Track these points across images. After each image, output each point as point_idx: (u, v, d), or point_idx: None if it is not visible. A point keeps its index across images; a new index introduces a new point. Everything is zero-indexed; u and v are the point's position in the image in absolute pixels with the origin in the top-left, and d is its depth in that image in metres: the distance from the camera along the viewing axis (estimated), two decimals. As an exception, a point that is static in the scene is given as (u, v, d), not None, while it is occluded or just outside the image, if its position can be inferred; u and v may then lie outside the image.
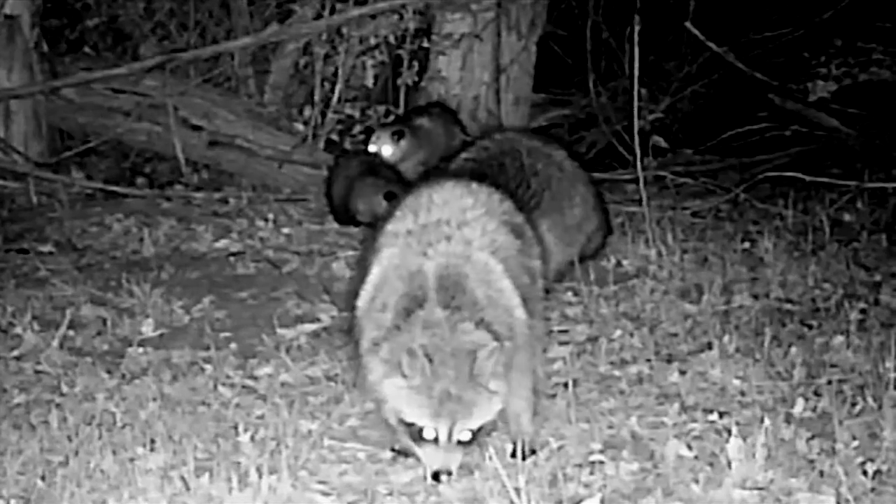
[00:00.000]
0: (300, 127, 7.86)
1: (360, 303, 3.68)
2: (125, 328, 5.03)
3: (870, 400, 3.91)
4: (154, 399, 4.17)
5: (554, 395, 4.15)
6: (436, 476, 3.46)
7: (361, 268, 3.84)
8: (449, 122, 7.24)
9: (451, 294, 3.49)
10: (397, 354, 3.43)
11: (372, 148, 6.83)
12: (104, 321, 5.07)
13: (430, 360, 3.38)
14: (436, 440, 3.44)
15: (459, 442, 3.45)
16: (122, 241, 6.46)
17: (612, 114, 8.61)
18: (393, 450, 3.76)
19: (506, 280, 3.63)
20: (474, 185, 3.89)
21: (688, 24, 8.16)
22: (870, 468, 3.43)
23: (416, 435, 3.46)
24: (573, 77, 8.98)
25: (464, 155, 5.46)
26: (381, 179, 6.58)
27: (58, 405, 4.13)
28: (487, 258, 3.63)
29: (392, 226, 3.75)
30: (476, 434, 3.46)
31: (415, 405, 3.44)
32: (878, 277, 5.48)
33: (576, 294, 5.30)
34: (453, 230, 3.65)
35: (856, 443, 3.59)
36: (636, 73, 6.13)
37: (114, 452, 3.67)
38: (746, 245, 5.98)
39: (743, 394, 4.16)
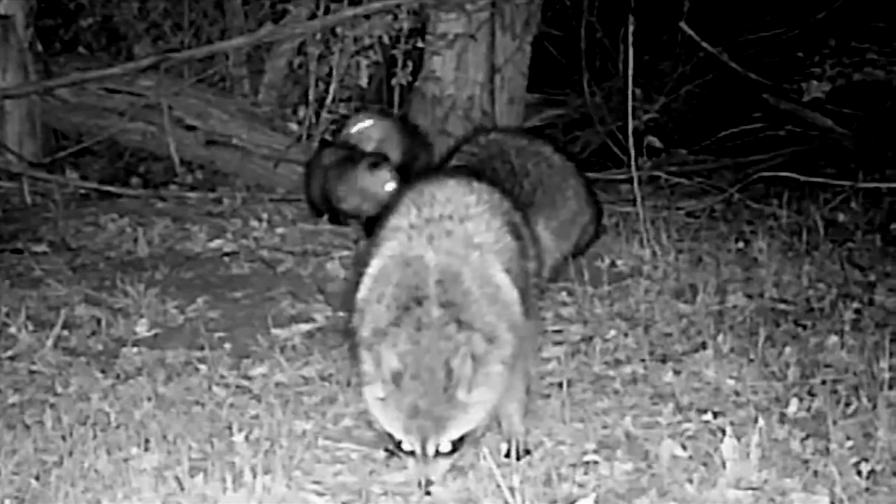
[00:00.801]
0: (294, 127, 7.87)
1: (361, 294, 3.66)
2: (119, 328, 5.03)
3: (864, 400, 3.92)
4: (148, 399, 4.16)
5: (548, 395, 4.15)
6: (427, 490, 3.45)
7: (361, 263, 3.82)
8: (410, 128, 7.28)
9: (449, 291, 3.45)
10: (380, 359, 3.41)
11: (352, 129, 6.77)
12: (98, 321, 5.07)
13: (402, 374, 3.34)
14: (413, 452, 3.42)
15: (440, 452, 3.41)
16: (117, 241, 6.46)
17: (607, 114, 8.63)
18: (387, 450, 3.74)
19: (505, 278, 3.62)
20: (475, 183, 3.87)
21: (682, 24, 8.17)
22: (864, 468, 3.43)
23: (397, 445, 3.45)
24: (568, 77, 8.99)
25: (453, 162, 5.45)
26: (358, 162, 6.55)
27: (52, 405, 4.12)
28: (488, 255, 3.61)
29: (394, 220, 3.73)
30: (459, 444, 3.42)
31: (385, 417, 3.42)
32: (872, 277, 5.50)
33: (570, 294, 5.30)
34: (455, 226, 3.63)
35: (850, 443, 3.60)
36: (630, 72, 6.14)
37: (108, 452, 3.67)
38: (741, 245, 5.99)
39: (737, 394, 4.17)
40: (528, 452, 3.71)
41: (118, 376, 4.47)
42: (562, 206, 5.41)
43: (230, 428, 3.87)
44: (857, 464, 3.47)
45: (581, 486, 3.50)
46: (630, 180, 6.33)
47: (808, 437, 3.68)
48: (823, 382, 4.16)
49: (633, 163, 6.08)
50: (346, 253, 6.11)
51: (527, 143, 5.53)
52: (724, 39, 8.60)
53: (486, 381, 3.41)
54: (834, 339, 4.57)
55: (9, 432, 3.87)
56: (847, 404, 3.91)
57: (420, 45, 7.83)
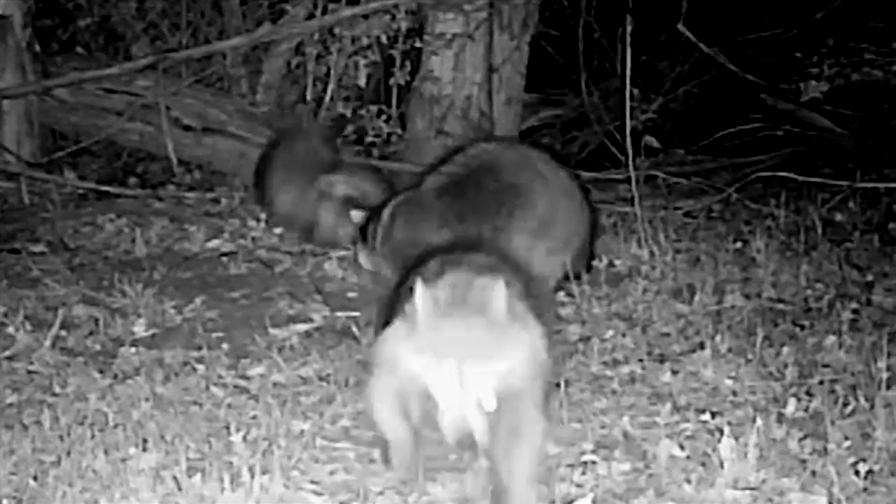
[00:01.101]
0: (292, 126, 7.86)
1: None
2: (117, 328, 5.02)
3: (862, 400, 3.91)
4: (146, 399, 4.15)
5: (546, 396, 4.15)
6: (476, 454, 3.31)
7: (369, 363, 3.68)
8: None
9: None
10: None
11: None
12: (96, 321, 5.06)
13: (439, 302, 3.11)
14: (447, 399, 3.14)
15: (478, 408, 3.15)
16: (115, 241, 6.45)
17: (605, 114, 8.62)
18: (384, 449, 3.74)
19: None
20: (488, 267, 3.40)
21: (680, 25, 8.17)
22: (862, 468, 3.43)
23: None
24: (565, 77, 8.98)
25: (448, 168, 5.47)
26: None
27: (50, 405, 4.11)
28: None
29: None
30: (504, 402, 3.15)
31: (416, 347, 3.13)
32: (870, 277, 5.49)
33: (568, 294, 5.30)
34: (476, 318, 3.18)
35: (848, 443, 3.60)
36: (628, 72, 6.14)
37: (106, 452, 3.66)
38: (738, 245, 5.99)
39: (735, 394, 4.17)
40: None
41: (116, 376, 4.46)
42: (573, 207, 5.43)
43: (228, 428, 3.86)
44: (855, 464, 3.47)
45: (579, 486, 3.50)
46: (628, 180, 6.32)
47: (805, 437, 3.67)
48: (821, 382, 4.16)
49: (630, 163, 6.08)
50: (343, 253, 6.10)
51: (525, 149, 5.57)
52: (722, 39, 8.60)
53: (524, 320, 3.22)
54: (832, 339, 4.56)
55: (7, 432, 3.86)
56: (845, 404, 3.91)
57: (418, 45, 7.82)
